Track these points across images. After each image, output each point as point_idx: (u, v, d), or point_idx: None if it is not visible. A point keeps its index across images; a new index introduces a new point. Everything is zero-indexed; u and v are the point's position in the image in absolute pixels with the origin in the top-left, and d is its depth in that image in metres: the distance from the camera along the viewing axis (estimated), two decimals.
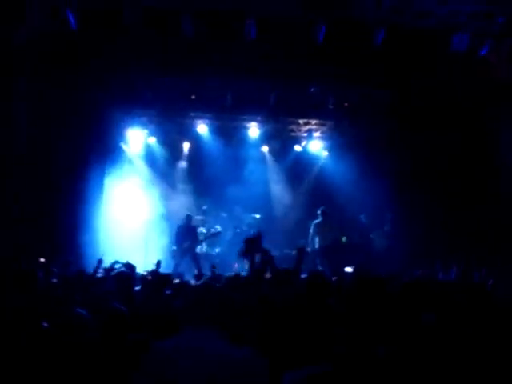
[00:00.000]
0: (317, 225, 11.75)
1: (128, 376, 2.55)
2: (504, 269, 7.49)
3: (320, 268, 10.62)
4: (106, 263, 7.56)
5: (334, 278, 6.65)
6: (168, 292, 5.07)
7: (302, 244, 10.05)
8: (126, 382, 2.53)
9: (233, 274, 6.52)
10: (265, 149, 14.54)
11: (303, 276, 4.97)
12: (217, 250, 13.43)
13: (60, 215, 9.85)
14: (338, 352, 2.04)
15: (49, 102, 9.48)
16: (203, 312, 2.59)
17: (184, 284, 5.52)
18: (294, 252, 9.89)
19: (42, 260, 7.48)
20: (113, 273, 6.09)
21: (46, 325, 3.33)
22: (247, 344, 2.65)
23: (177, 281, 5.83)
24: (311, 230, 11.80)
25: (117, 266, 6.88)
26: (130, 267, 6.58)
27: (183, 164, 14.29)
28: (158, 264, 9.14)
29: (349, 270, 10.02)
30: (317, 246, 11.56)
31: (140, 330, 3.57)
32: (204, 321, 2.56)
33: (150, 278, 6.64)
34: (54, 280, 5.99)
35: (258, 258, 5.03)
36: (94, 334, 3.01)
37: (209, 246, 13.31)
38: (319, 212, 11.79)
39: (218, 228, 13.06)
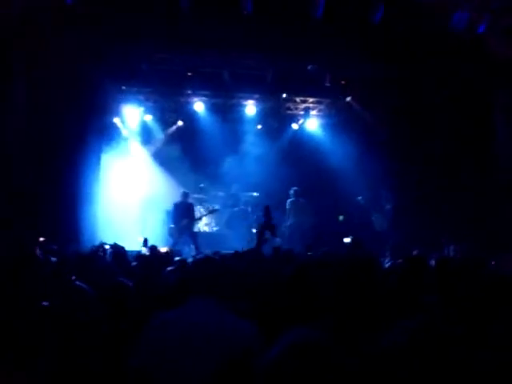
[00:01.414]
0: (290, 203, 12.58)
1: (129, 348, 2.56)
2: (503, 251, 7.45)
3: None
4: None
5: (309, 253, 6.88)
6: (168, 268, 5.08)
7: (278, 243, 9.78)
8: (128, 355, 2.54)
9: (231, 252, 6.58)
10: (261, 127, 14.46)
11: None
12: (215, 228, 13.44)
13: (58, 193, 9.79)
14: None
15: (47, 78, 9.34)
16: (203, 285, 2.60)
17: (184, 260, 5.54)
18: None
19: (42, 239, 7.47)
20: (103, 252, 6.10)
21: (46, 304, 3.30)
22: (244, 316, 2.67)
23: (177, 258, 5.83)
24: (287, 207, 12.60)
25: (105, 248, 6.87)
26: (117, 248, 6.50)
27: (179, 142, 14.19)
28: (145, 241, 9.19)
29: (347, 240, 10.22)
30: (289, 222, 12.36)
31: (141, 306, 3.57)
32: (204, 293, 2.58)
33: (148, 254, 6.66)
34: (53, 259, 5.98)
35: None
36: (97, 308, 3.00)
37: (207, 223, 13.32)
38: (292, 192, 12.60)
39: (216, 206, 13.04)
